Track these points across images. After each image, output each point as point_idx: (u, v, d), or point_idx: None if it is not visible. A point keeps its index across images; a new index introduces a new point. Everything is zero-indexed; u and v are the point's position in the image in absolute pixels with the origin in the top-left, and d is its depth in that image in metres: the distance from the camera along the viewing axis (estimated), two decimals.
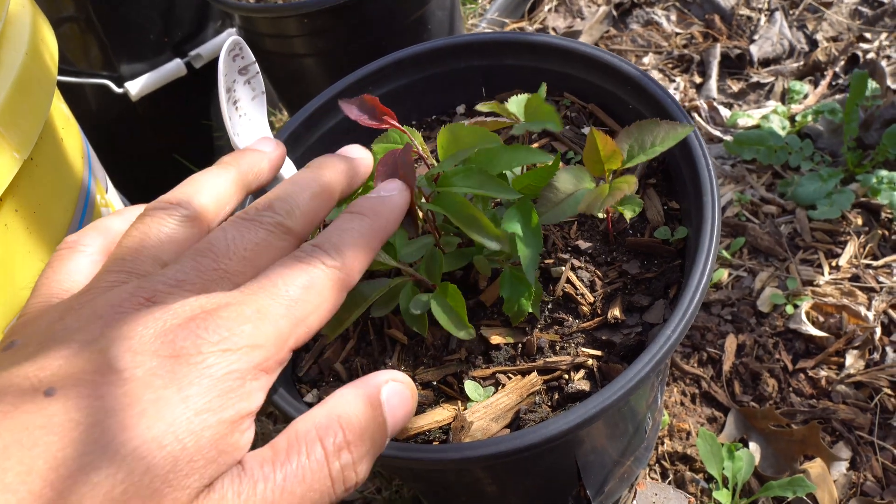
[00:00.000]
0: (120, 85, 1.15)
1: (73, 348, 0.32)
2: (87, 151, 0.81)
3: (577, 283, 0.60)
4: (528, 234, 0.53)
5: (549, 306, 0.60)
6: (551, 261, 0.62)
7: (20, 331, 0.35)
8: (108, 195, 0.84)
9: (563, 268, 0.61)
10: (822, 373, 0.93)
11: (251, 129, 0.65)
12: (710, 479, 0.86)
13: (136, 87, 1.15)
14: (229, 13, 1.03)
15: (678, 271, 0.60)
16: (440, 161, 0.53)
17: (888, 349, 0.94)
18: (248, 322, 0.33)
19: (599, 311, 0.59)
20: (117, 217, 0.46)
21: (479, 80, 0.74)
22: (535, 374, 0.57)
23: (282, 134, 0.70)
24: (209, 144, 1.30)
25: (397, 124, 0.54)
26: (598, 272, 0.61)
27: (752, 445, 0.88)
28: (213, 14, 1.20)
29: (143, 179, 1.27)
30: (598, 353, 0.57)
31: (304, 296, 0.36)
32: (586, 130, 0.69)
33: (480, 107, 0.60)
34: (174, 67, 1.17)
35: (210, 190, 0.45)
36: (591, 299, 0.60)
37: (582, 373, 0.57)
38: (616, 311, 0.58)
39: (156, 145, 1.25)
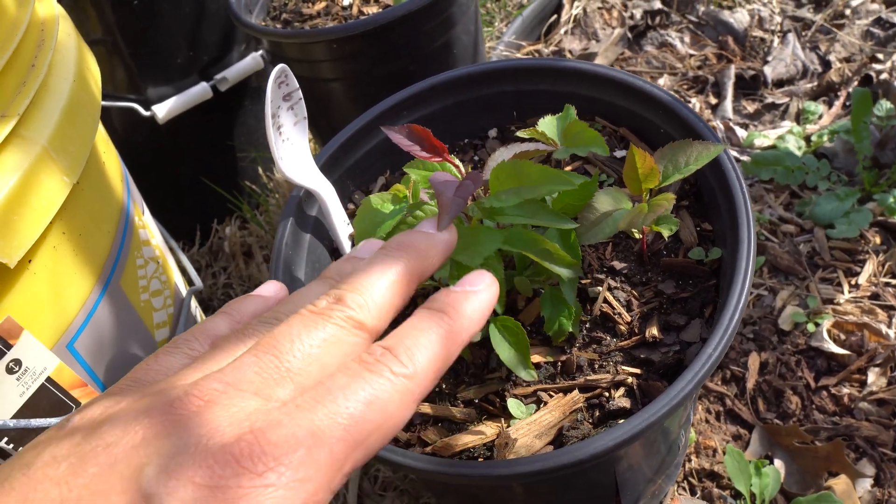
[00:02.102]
0: (147, 108, 1.17)
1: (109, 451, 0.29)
2: (126, 175, 0.83)
3: (614, 302, 0.62)
4: (570, 254, 0.55)
5: (586, 325, 0.62)
6: (588, 281, 0.64)
7: (84, 414, 0.33)
8: (145, 217, 0.85)
9: (600, 288, 0.62)
10: (845, 390, 0.94)
11: (294, 153, 0.67)
12: (737, 495, 0.87)
13: (162, 110, 1.17)
14: (257, 38, 1.06)
15: (713, 291, 0.61)
16: (491, 192, 0.54)
17: None
18: (300, 448, 0.30)
19: (637, 330, 0.61)
20: (221, 319, 0.42)
21: (510, 105, 0.76)
22: (576, 391, 0.58)
23: (321, 157, 0.72)
24: (234, 167, 1.32)
25: (452, 159, 0.56)
26: (634, 292, 0.63)
27: (777, 462, 0.89)
28: (239, 38, 1.22)
29: (169, 201, 1.29)
30: (638, 371, 0.58)
31: (366, 413, 0.32)
32: (618, 154, 0.71)
33: (520, 133, 0.62)
34: (200, 90, 1.19)
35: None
36: (629, 318, 0.61)
37: (622, 390, 0.58)
38: (654, 330, 0.59)
39: (181, 167, 1.27)
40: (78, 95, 0.69)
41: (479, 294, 0.39)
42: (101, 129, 0.79)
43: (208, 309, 1.26)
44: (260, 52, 1.22)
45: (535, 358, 0.61)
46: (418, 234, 0.42)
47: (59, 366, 0.66)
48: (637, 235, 0.63)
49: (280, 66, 0.61)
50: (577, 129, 0.57)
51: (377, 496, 0.98)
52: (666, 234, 0.56)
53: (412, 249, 0.40)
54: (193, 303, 0.93)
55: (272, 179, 1.35)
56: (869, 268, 1.05)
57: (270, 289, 0.44)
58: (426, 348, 0.35)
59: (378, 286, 0.37)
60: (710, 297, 0.61)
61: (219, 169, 1.30)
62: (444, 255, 0.43)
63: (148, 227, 0.85)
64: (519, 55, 1.49)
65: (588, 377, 0.59)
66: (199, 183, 1.29)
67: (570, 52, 1.52)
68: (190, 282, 1.00)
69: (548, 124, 0.63)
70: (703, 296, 0.61)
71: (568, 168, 0.72)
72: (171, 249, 0.98)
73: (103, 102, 1.17)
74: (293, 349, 0.34)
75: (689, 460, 0.90)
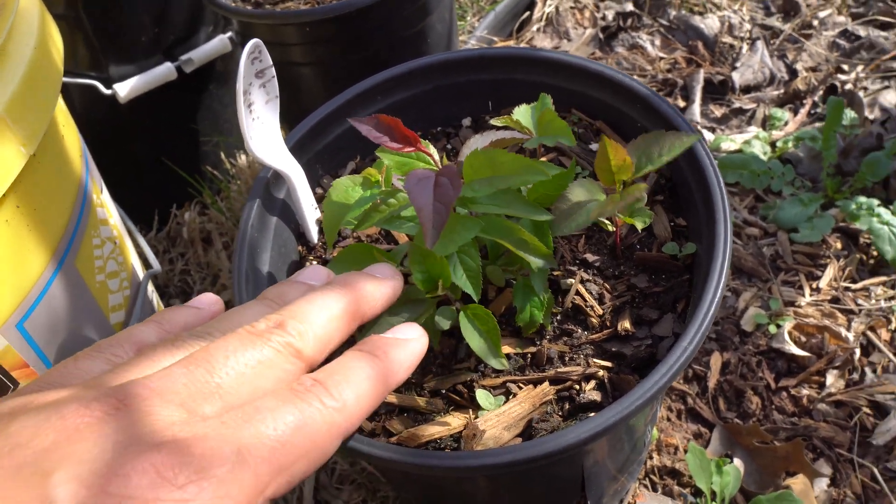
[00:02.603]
0: (108, 86, 1.14)
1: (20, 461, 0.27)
2: (85, 151, 0.80)
3: (587, 295, 0.61)
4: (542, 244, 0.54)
5: (558, 317, 0.61)
6: (560, 273, 0.63)
7: None
8: (104, 196, 0.83)
9: (573, 280, 0.62)
10: (804, 391, 0.95)
11: (263, 132, 0.65)
12: (697, 493, 0.87)
13: (124, 89, 1.13)
14: (227, 18, 1.03)
15: (686, 286, 0.61)
16: (464, 180, 0.53)
17: (867, 370, 0.96)
18: (225, 464, 0.28)
19: (608, 324, 0.60)
20: (149, 327, 0.40)
21: (486, 94, 0.75)
22: (546, 383, 0.57)
23: (290, 139, 0.70)
24: (196, 151, 1.29)
25: (426, 147, 0.55)
26: (606, 285, 0.62)
27: (737, 461, 0.90)
28: (206, 19, 1.19)
29: (128, 182, 1.25)
30: (609, 364, 0.58)
31: (294, 438, 0.31)
32: (594, 146, 0.70)
33: (494, 121, 0.61)
34: (164, 71, 1.16)
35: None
36: (600, 311, 0.61)
37: (593, 383, 0.57)
38: (626, 324, 0.59)
39: (141, 149, 1.24)
40: (39, 64, 0.66)
41: (409, 343, 0.40)
42: (60, 102, 0.76)
43: (164, 295, 1.23)
44: (228, 34, 1.19)
45: (506, 349, 0.60)
46: (367, 278, 0.43)
47: (5, 347, 0.63)
48: (611, 228, 0.62)
49: (254, 40, 0.59)
50: (548, 117, 0.56)
51: (334, 489, 0.96)
52: (640, 226, 0.55)
53: (359, 291, 0.41)
54: (150, 287, 0.90)
55: (235, 165, 1.32)
56: (830, 272, 1.06)
57: (205, 301, 0.43)
58: (356, 386, 0.35)
59: (320, 318, 0.37)
60: (683, 292, 0.61)
61: (180, 152, 1.27)
62: (389, 301, 0.44)
63: (106, 206, 0.82)
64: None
65: (559, 369, 0.58)
66: (159, 166, 1.25)
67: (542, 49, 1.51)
68: (147, 265, 0.97)
69: (523, 113, 0.62)
70: (676, 291, 0.61)
71: (543, 159, 0.71)
72: (128, 231, 0.95)
73: (64, 79, 1.14)
74: (226, 366, 0.33)
75: (651, 458, 0.90)
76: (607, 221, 0.61)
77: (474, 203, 0.54)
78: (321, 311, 0.38)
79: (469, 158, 0.54)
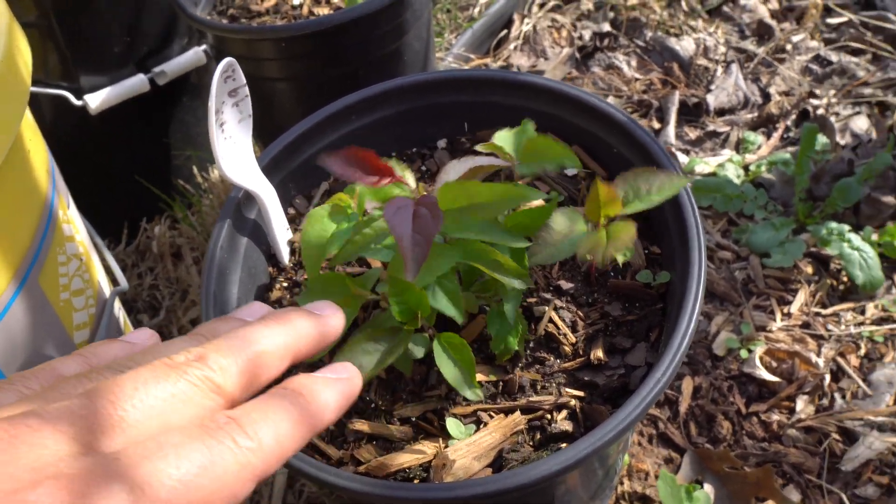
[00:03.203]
0: (79, 97, 1.12)
1: None
2: (52, 166, 0.78)
3: (560, 322, 0.61)
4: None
5: (531, 345, 0.60)
6: (534, 300, 0.62)
7: None
8: (70, 212, 0.81)
9: (546, 307, 0.61)
10: (775, 417, 0.95)
11: (235, 152, 0.64)
12: None
13: (96, 100, 1.11)
14: (202, 31, 1.02)
15: (660, 315, 0.61)
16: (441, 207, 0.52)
17: (836, 395, 0.97)
18: (112, 502, 0.26)
19: (581, 352, 0.60)
20: (73, 360, 0.38)
21: (461, 116, 0.75)
22: (518, 412, 0.57)
23: (263, 158, 0.69)
24: (167, 164, 1.27)
25: (405, 179, 0.54)
26: (579, 313, 0.62)
27: (707, 487, 0.90)
28: (181, 30, 1.18)
29: (97, 195, 1.23)
30: (581, 393, 0.57)
31: (199, 479, 0.29)
32: (569, 171, 0.70)
33: (480, 147, 0.60)
34: (137, 83, 1.14)
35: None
36: (573, 339, 0.60)
37: (565, 413, 0.57)
38: (599, 352, 0.58)
39: (112, 162, 1.22)
40: (5, 77, 0.64)
41: (339, 383, 0.37)
42: (28, 115, 0.75)
43: (132, 311, 1.21)
44: (203, 47, 1.17)
45: (478, 376, 0.59)
46: (305, 314, 0.40)
47: None
48: (588, 257, 0.62)
49: (228, 59, 0.58)
50: (541, 144, 0.55)
51: None
52: (621, 259, 0.55)
53: (294, 328, 0.38)
54: (117, 304, 0.88)
55: (207, 179, 1.31)
56: (801, 297, 1.06)
57: (140, 336, 0.40)
58: (275, 426, 0.32)
59: (246, 353, 0.34)
60: (656, 320, 0.60)
61: (152, 165, 1.25)
62: (328, 341, 0.41)
63: (73, 222, 0.80)
64: (467, 68, 1.49)
65: (530, 398, 0.57)
66: (130, 179, 1.23)
67: (518, 67, 1.52)
68: (115, 282, 0.95)
69: (504, 139, 0.61)
70: (650, 319, 0.61)
71: (520, 183, 0.71)
72: (95, 246, 0.93)
73: (33, 88, 1.11)
74: (134, 398, 0.30)
75: (622, 483, 0.90)
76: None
77: (450, 230, 0.54)
78: (249, 345, 0.35)
79: (443, 189, 0.53)
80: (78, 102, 1.11)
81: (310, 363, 0.57)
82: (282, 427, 0.33)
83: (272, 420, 0.32)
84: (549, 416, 0.57)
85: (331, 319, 0.41)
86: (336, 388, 0.37)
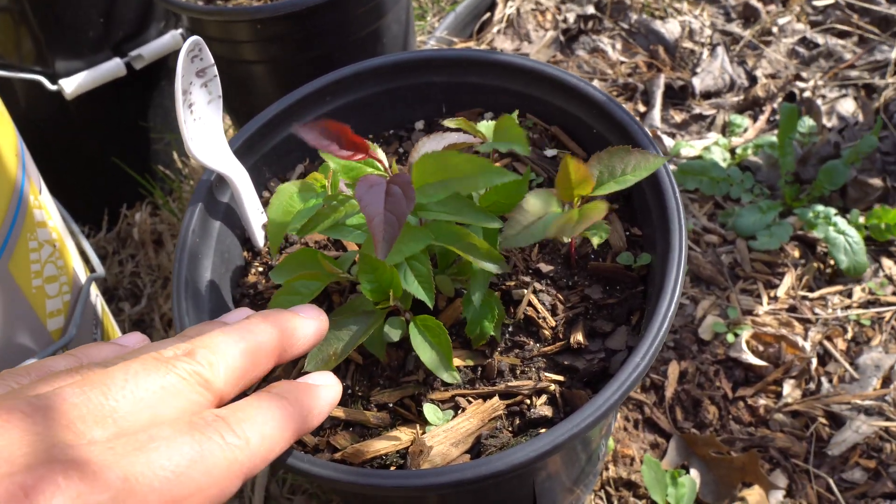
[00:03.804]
0: (54, 82, 1.10)
1: None
2: (21, 149, 0.76)
3: (539, 306, 0.60)
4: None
5: (509, 329, 0.59)
6: (513, 283, 0.61)
7: None
8: (42, 197, 0.79)
9: (525, 291, 0.60)
10: (761, 401, 0.95)
11: (205, 134, 0.62)
12: None
13: (71, 85, 1.09)
14: (177, 14, 1.00)
15: (640, 298, 0.60)
16: (415, 185, 0.51)
17: (823, 379, 0.96)
18: (106, 491, 0.27)
19: (561, 336, 0.58)
20: (63, 359, 0.38)
21: (439, 97, 0.73)
22: (496, 398, 0.55)
23: (236, 140, 0.68)
24: (147, 149, 1.25)
25: (376, 153, 0.52)
26: (559, 296, 0.60)
27: (693, 472, 0.89)
28: (157, 14, 1.16)
29: (75, 182, 1.21)
30: (561, 378, 0.56)
31: (190, 471, 0.29)
32: (549, 152, 0.69)
33: (447, 122, 0.59)
34: (113, 67, 1.12)
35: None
36: (553, 323, 0.59)
37: (544, 398, 0.55)
38: (579, 336, 0.57)
39: (90, 147, 1.20)
40: None
41: (320, 390, 0.39)
42: None
43: (113, 299, 1.19)
44: (180, 30, 1.15)
45: (456, 361, 0.58)
46: (291, 315, 0.41)
47: None
48: (565, 239, 0.60)
49: (193, 38, 0.56)
50: (505, 124, 0.54)
51: (285, 500, 0.93)
52: (596, 241, 0.54)
53: (280, 327, 0.39)
54: (94, 291, 0.87)
55: (187, 165, 1.29)
56: (787, 281, 1.06)
57: (131, 340, 0.41)
58: (261, 426, 0.33)
59: (234, 350, 0.36)
60: (637, 303, 0.59)
61: (131, 151, 1.23)
62: (312, 342, 0.42)
63: (45, 207, 0.79)
64: (446, 48, 1.47)
65: (509, 383, 0.56)
66: (108, 165, 1.21)
67: (502, 51, 1.50)
68: (91, 268, 0.93)
69: (485, 127, 0.60)
70: (631, 302, 0.59)
71: (497, 164, 0.69)
72: (71, 233, 0.91)
73: (6, 73, 1.09)
74: (125, 389, 0.31)
75: (607, 469, 0.89)
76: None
77: (424, 210, 0.52)
78: (236, 343, 0.36)
79: (419, 162, 0.51)
80: (53, 87, 1.09)
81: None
82: (268, 427, 0.34)
83: (259, 420, 0.34)
84: (528, 402, 0.56)
85: (315, 322, 0.42)
86: (319, 395, 0.39)
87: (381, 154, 0.55)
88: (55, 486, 0.25)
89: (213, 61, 0.59)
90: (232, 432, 0.32)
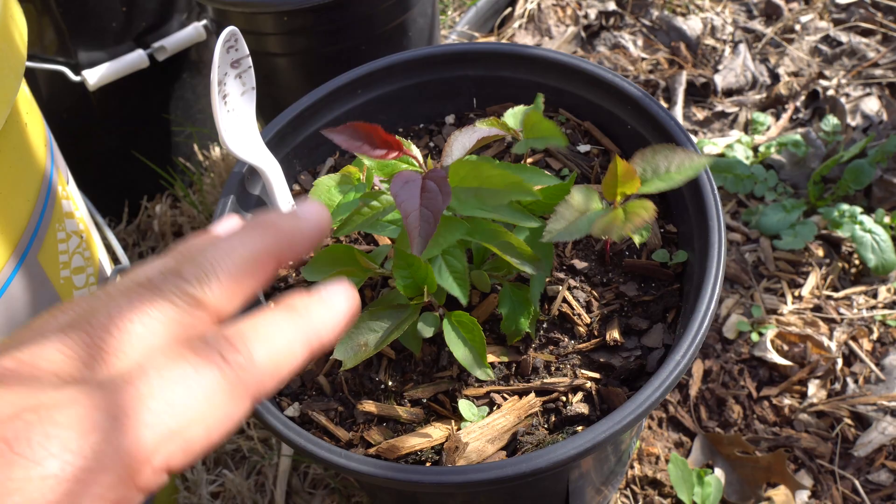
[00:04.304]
0: (77, 73, 1.09)
1: None
2: (50, 140, 0.76)
3: (574, 302, 0.59)
4: (539, 253, 0.52)
5: (544, 326, 0.59)
6: (547, 279, 0.61)
7: None
8: (70, 188, 0.79)
9: (560, 287, 0.59)
10: (786, 401, 0.94)
11: (239, 125, 0.62)
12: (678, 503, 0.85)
13: (94, 76, 1.09)
14: (202, 5, 0.99)
15: (677, 295, 0.59)
16: (450, 183, 0.50)
17: (849, 380, 0.95)
18: (95, 432, 0.25)
19: (596, 333, 0.58)
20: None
21: (470, 91, 0.73)
22: (532, 394, 0.55)
23: (267, 132, 0.67)
24: (168, 141, 1.24)
25: (410, 150, 0.52)
26: (594, 293, 0.60)
27: (718, 471, 0.88)
28: (180, 5, 1.15)
29: (96, 173, 1.21)
30: (597, 375, 0.56)
31: (185, 398, 0.27)
32: (582, 148, 0.68)
33: (479, 124, 0.58)
34: (136, 58, 1.12)
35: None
36: (588, 320, 0.58)
37: (580, 395, 0.55)
38: (615, 334, 0.57)
39: (111, 139, 1.20)
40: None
41: (335, 303, 0.34)
42: (24, 88, 0.73)
43: None
44: (203, 22, 1.15)
45: (490, 357, 0.57)
46: (285, 214, 0.36)
47: None
48: (603, 236, 0.60)
49: (230, 28, 0.56)
50: (533, 120, 0.53)
51: (306, 494, 0.93)
52: (638, 240, 0.53)
53: (274, 229, 0.35)
54: None
55: (208, 157, 1.29)
56: (812, 280, 1.05)
57: (226, 227, 0.37)
58: (269, 342, 0.30)
59: (226, 261, 0.32)
60: (673, 301, 0.59)
61: (151, 143, 1.23)
62: (314, 239, 0.37)
63: (72, 198, 0.78)
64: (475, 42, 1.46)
65: (545, 380, 0.56)
66: (129, 157, 1.21)
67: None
68: (116, 260, 0.93)
69: (512, 115, 0.59)
70: (667, 300, 0.59)
71: (529, 160, 0.69)
72: (96, 224, 0.91)
73: (29, 63, 1.09)
74: (109, 324, 0.29)
75: (632, 467, 0.88)
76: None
77: (460, 206, 0.52)
78: (228, 254, 0.32)
79: (455, 166, 0.51)
80: (76, 78, 1.09)
81: None
82: (276, 344, 0.30)
83: (266, 337, 0.30)
84: (564, 399, 0.55)
85: (312, 217, 0.37)
86: (333, 307, 0.34)
87: (415, 150, 0.55)
88: (42, 435, 0.24)
89: (248, 52, 0.59)
90: (234, 350, 0.29)
